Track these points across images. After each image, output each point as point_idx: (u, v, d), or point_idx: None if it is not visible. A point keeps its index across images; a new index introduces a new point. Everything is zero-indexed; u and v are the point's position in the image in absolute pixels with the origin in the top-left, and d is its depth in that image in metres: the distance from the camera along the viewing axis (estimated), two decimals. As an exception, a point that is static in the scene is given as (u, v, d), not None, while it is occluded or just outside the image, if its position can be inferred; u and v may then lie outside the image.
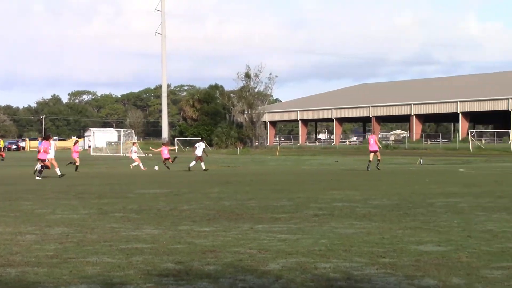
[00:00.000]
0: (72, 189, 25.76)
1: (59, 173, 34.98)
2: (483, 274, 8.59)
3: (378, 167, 40.06)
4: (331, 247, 10.80)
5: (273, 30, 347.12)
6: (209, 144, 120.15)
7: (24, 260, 9.77)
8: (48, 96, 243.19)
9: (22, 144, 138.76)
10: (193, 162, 43.29)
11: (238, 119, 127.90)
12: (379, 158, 40.60)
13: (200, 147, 44.03)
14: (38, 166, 35.33)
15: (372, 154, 40.65)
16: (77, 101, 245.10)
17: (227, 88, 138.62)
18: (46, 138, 37.01)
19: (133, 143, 55.37)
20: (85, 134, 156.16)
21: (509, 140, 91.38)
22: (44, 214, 16.19)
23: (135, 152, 49.58)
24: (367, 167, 40.07)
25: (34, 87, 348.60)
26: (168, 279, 8.42)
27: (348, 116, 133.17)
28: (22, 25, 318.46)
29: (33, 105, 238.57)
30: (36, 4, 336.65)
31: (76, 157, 44.55)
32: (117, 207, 17.90)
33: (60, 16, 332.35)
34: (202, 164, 42.95)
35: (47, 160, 35.06)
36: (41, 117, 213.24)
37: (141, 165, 46.78)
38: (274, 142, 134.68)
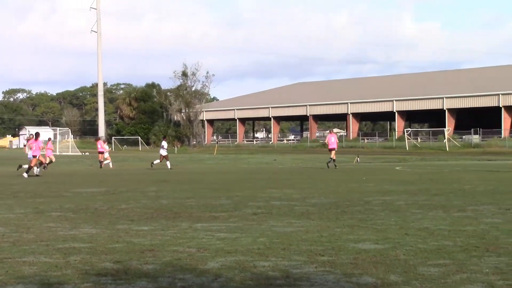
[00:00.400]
0: (7, 188, 25.38)
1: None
2: (420, 271, 8.71)
3: (328, 165, 40.89)
4: (270, 245, 10.83)
5: (211, 28, 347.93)
6: (147, 143, 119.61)
7: (-42, 260, 9.60)
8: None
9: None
10: (157, 161, 43.93)
11: (175, 117, 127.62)
12: (334, 157, 41.37)
13: (164, 146, 44.63)
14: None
15: (333, 152, 41.41)
16: (11, 99, 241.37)
17: (164, 86, 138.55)
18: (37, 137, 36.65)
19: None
20: (20, 132, 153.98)
21: (444, 138, 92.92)
22: (-22, 214, 15.92)
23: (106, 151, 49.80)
24: (327, 164, 41.47)
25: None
26: (106, 279, 8.35)
27: (285, 114, 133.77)
28: None
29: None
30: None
31: (50, 154, 44.48)
32: (53, 206, 17.70)
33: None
34: (168, 163, 43.91)
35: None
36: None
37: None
38: (211, 141, 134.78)
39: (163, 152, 44.19)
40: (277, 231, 12.54)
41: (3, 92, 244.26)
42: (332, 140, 41.94)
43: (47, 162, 41.55)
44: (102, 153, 47.20)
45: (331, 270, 8.82)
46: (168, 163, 43.89)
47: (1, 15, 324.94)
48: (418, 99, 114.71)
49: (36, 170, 35.83)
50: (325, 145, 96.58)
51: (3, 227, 13.36)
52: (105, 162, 47.74)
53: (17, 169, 36.82)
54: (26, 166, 35.59)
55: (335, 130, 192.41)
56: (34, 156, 35.13)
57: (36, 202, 18.94)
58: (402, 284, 8.02)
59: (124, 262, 9.40)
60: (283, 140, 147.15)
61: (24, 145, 45.94)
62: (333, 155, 41.29)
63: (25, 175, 33.80)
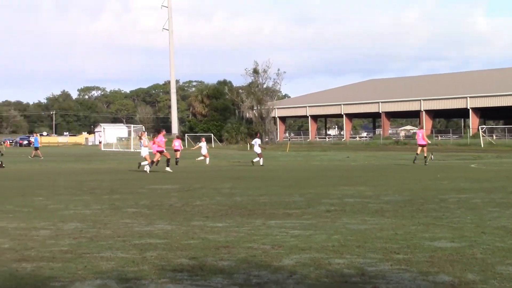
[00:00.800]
0: (83, 184, 25.82)
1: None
2: (498, 270, 8.58)
3: (426, 163, 40.61)
4: (345, 243, 10.80)
5: (281, 25, 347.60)
6: (219, 139, 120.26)
7: (39, 255, 9.81)
8: (57, 92, 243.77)
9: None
10: (257, 159, 44.05)
11: (247, 115, 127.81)
12: (425, 154, 41.18)
13: (256, 144, 44.91)
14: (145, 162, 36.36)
15: (420, 148, 41.46)
16: (86, 97, 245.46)
17: (235, 83, 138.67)
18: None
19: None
20: (96, 129, 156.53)
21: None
22: (57, 210, 16.24)
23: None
24: (414, 160, 41.16)
25: (43, 83, 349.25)
26: (182, 275, 8.44)
27: (357, 111, 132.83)
28: (31, 22, 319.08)
29: (43, 101, 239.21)
30: (44, 1, 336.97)
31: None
32: (129, 203, 17.94)
33: (68, 12, 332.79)
34: (261, 160, 43.93)
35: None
36: (52, 112, 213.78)
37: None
38: (284, 138, 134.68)
39: (258, 150, 44.55)
40: (351, 229, 12.49)
41: (78, 90, 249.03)
42: (419, 136, 42.18)
43: (157, 158, 41.45)
44: (178, 150, 47.36)
45: (407, 268, 8.74)
46: (261, 160, 43.90)
47: (75, 14, 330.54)
48: (492, 95, 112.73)
49: (147, 167, 36.32)
50: (398, 142, 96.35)
51: (81, 223, 13.61)
52: (199, 158, 48.39)
53: (138, 167, 37.22)
54: (145, 162, 36.19)
55: (408, 127, 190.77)
56: (160, 152, 36.22)
57: (112, 199, 19.23)
58: (480, 283, 7.91)
59: (200, 259, 9.48)
60: (356, 137, 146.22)
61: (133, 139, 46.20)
62: (419, 150, 41.28)
63: (168, 169, 35.43)
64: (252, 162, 44.17)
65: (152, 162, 36.50)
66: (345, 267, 8.86)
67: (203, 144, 49.95)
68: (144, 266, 8.97)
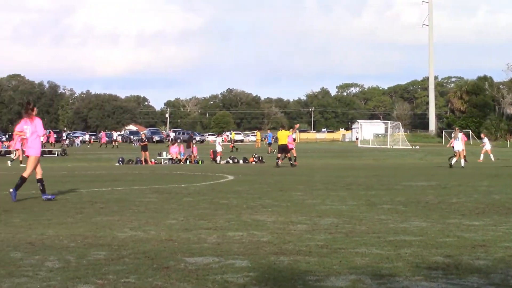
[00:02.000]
0: (340, 180, 26.19)
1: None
2: None
3: None
4: None
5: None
6: (477, 136, 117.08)
7: (296, 249, 10.08)
8: (317, 89, 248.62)
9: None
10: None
11: (508, 111, 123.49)
12: None
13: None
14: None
15: None
16: (344, 93, 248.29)
17: (496, 79, 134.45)
18: None
19: None
20: (353, 126, 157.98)
21: None
22: (314, 205, 16.60)
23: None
24: None
25: (303, 80, 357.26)
26: (437, 273, 8.35)
27: None
28: (294, 20, 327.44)
29: (303, 97, 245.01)
30: (309, 1, 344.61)
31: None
32: (384, 199, 17.97)
33: (331, 10, 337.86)
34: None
35: None
36: (310, 109, 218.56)
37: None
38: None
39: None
40: None
41: (336, 87, 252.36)
42: None
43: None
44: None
45: None
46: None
47: (337, 12, 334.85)
48: None
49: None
50: None
51: (337, 218, 13.82)
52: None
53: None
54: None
55: None
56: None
57: (368, 195, 19.34)
58: None
59: (455, 257, 9.33)
60: None
61: None
62: None
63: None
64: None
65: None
66: None
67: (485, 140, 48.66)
68: (398, 263, 8.97)
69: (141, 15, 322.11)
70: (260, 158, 51.67)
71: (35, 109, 18.31)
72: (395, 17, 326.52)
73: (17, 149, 48.07)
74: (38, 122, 18.13)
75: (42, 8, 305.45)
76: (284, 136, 41.71)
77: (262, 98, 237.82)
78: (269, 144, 70.78)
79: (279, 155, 42.00)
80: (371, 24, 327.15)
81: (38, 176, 18.13)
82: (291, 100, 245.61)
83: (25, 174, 17.93)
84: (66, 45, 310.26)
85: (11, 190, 17.73)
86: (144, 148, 52.51)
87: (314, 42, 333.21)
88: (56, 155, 63.04)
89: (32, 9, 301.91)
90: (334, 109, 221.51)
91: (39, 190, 18.16)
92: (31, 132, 17.99)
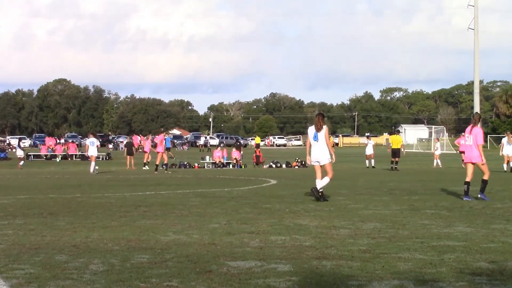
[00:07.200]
0: (383, 185, 26.08)
1: None
2: None
3: None
4: None
5: None
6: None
7: (338, 253, 10.07)
8: (360, 93, 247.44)
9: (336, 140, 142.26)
10: None
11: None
12: None
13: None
14: None
15: None
16: (388, 98, 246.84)
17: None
18: None
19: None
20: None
21: None
22: (357, 209, 16.55)
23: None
24: None
25: (349, 85, 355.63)
26: (481, 278, 8.28)
27: None
28: (344, 24, 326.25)
29: (346, 102, 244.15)
30: (360, 4, 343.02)
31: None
32: (428, 204, 17.85)
33: (381, 14, 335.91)
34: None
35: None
36: (354, 113, 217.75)
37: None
38: None
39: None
40: None
41: (380, 91, 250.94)
42: None
43: None
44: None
45: None
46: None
47: (388, 16, 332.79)
48: None
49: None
50: None
51: (380, 223, 13.76)
52: None
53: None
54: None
55: None
56: None
57: (411, 200, 19.24)
58: None
59: (499, 263, 9.25)
60: None
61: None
62: None
63: None
64: None
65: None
66: None
67: None
68: (442, 268, 8.92)
69: (193, 20, 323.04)
70: (303, 163, 51.53)
71: None
72: (446, 22, 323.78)
73: (145, 152, 49.36)
74: None
75: (95, 13, 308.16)
76: (398, 141, 43.98)
77: (306, 103, 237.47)
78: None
79: (393, 159, 43.55)
80: (421, 28, 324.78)
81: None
82: (334, 104, 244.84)
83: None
84: (118, 50, 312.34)
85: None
86: (129, 152, 50.30)
87: (363, 47, 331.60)
88: (100, 159, 63.65)
89: (85, 14, 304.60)
90: (377, 114, 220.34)
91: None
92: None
